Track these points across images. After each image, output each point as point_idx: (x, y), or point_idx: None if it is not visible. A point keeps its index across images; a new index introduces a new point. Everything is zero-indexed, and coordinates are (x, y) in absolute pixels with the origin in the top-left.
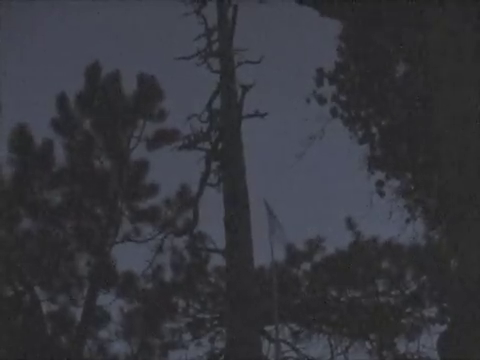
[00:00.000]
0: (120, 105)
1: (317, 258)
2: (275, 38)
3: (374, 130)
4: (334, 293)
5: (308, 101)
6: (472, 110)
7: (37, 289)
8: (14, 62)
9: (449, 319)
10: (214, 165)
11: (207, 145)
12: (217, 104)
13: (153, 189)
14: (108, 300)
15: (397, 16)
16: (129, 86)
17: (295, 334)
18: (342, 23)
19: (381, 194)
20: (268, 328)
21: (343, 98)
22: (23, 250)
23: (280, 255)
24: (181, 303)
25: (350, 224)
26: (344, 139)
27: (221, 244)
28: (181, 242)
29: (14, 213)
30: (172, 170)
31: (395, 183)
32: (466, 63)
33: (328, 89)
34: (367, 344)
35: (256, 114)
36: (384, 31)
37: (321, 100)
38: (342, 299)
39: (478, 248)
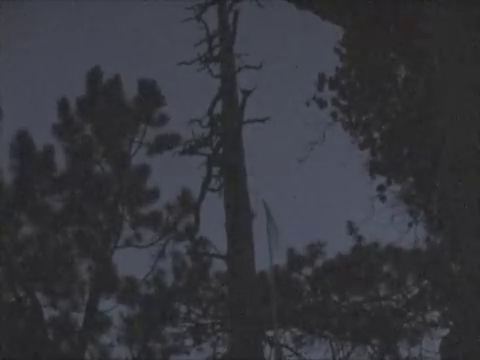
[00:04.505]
0: (121, 110)
1: (318, 263)
2: (276, 43)
3: (375, 135)
4: (336, 298)
5: (308, 104)
6: (474, 113)
7: (38, 294)
8: (14, 67)
9: (451, 323)
10: (215, 170)
11: (208, 150)
12: (218, 109)
13: (154, 194)
14: (109, 305)
15: (398, 21)
16: (130, 91)
17: (297, 339)
18: (343, 28)
19: (382, 199)
20: (270, 333)
21: (344, 102)
22: (24, 255)
23: (281, 260)
24: (182, 308)
25: (351, 228)
26: (345, 144)
27: (222, 249)
28: (182, 247)
29: (15, 218)
30: (173, 175)
31: (396, 188)
32: (468, 66)
33: (329, 94)
34: (369, 349)
35: (257, 119)
36: (385, 36)
37: (321, 103)
38: (344, 304)
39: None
